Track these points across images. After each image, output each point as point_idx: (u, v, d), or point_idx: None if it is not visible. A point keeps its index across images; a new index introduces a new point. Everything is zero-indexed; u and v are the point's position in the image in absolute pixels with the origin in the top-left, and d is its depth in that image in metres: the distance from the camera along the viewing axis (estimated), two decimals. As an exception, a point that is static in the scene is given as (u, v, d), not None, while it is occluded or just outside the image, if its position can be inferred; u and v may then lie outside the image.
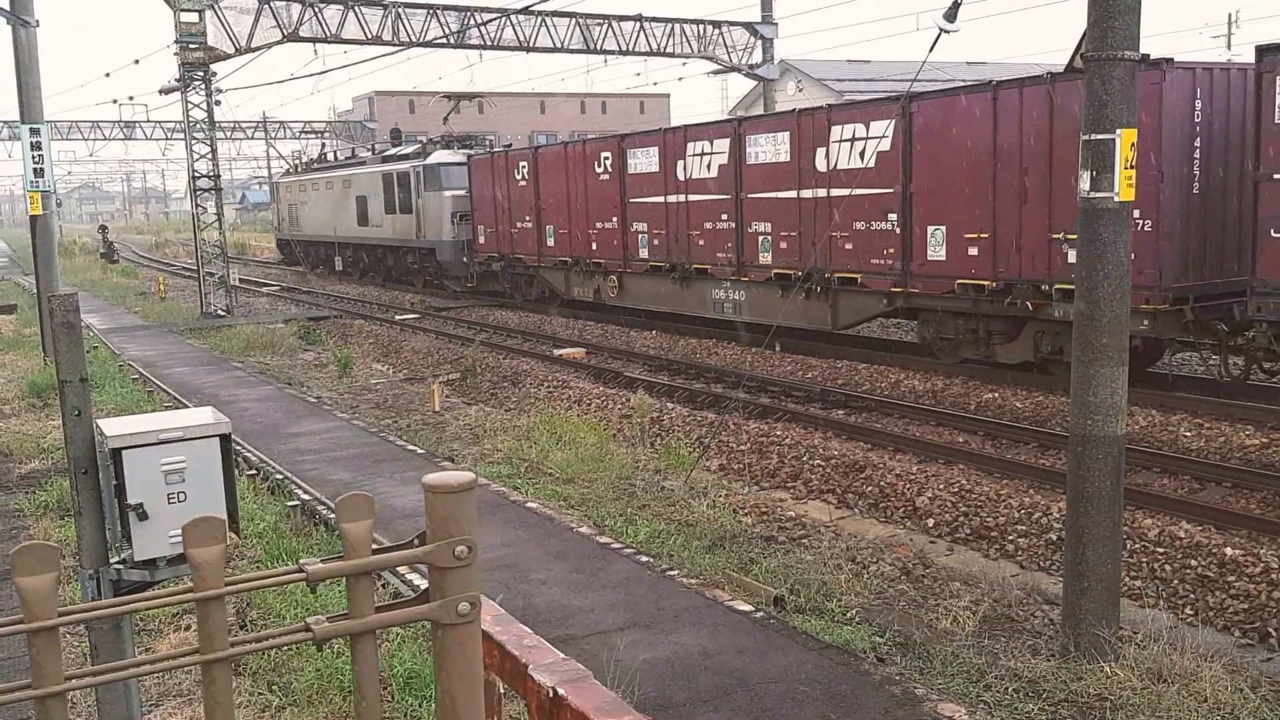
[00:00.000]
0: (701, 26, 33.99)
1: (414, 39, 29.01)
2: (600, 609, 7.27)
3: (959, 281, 15.18)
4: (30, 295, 26.36)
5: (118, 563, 4.02)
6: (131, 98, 52.92)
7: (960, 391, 15.04)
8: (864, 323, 17.30)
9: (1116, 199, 6.33)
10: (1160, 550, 8.73)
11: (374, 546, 1.53)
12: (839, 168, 16.98)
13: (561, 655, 1.94)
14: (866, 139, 16.50)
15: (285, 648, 6.30)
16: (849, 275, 16.96)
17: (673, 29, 33.23)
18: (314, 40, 28.13)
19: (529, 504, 9.80)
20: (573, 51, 32.27)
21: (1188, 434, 12.14)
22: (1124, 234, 6.42)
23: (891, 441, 12.59)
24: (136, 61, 34.17)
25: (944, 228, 15.38)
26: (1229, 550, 8.47)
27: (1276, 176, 11.55)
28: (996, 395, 14.58)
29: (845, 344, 18.47)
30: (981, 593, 7.91)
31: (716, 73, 36.74)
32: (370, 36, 28.56)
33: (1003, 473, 11.09)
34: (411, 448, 12.39)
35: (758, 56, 35.14)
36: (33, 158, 16.16)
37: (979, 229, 14.81)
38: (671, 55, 33.82)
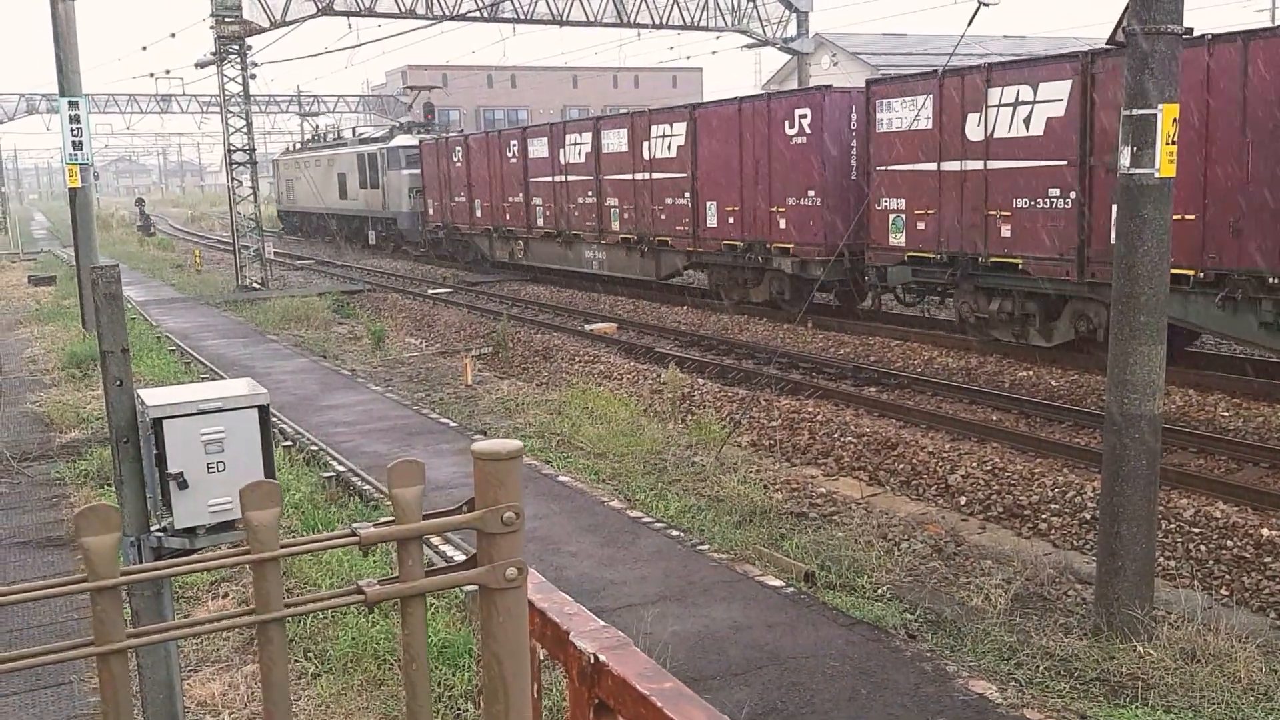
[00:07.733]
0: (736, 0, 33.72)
1: (447, 13, 29.00)
2: (631, 582, 7.32)
3: (724, 242, 20.48)
4: (69, 267, 26.68)
5: (158, 530, 4.09)
6: (168, 71, 53.27)
7: (994, 370, 14.95)
8: (675, 275, 22.99)
9: (1157, 175, 6.25)
10: (1196, 530, 8.67)
11: (423, 512, 1.55)
12: (656, 157, 22.46)
13: (602, 623, 1.96)
14: (671, 136, 21.96)
15: (322, 617, 6.40)
16: (663, 239, 22.41)
17: (707, 2, 32.96)
18: (348, 14, 28.15)
19: (561, 478, 9.85)
20: (605, 25, 32.12)
21: (1225, 414, 12.01)
22: (1165, 211, 6.34)
23: (924, 419, 12.53)
24: (173, 35, 34.51)
25: (715, 203, 20.70)
26: (1266, 531, 8.39)
27: (879, 168, 16.57)
28: (1031, 373, 14.48)
29: (875, 320, 18.55)
30: (1014, 571, 7.89)
31: (750, 47, 36.42)
32: (404, 10, 28.57)
33: (1036, 451, 11.02)
34: (445, 421, 12.48)
35: (792, 30, 34.80)
36: (71, 131, 16.32)
37: (733, 204, 20.07)
38: (705, 29, 33.58)
